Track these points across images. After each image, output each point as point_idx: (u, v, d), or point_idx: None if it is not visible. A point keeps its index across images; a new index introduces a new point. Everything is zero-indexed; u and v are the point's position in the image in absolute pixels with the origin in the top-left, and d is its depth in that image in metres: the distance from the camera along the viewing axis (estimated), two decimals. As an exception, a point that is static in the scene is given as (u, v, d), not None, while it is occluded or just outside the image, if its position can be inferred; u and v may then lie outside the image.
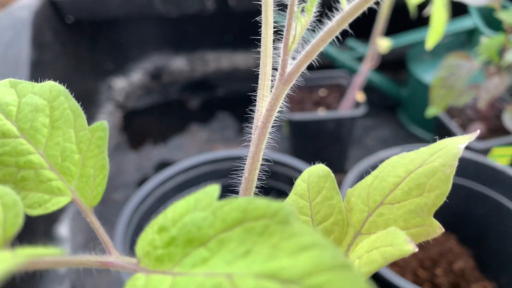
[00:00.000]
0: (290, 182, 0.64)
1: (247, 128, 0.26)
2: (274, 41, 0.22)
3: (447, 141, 0.25)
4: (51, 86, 0.20)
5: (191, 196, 0.18)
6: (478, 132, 0.26)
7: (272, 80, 0.24)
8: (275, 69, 0.22)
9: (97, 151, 0.20)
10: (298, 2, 0.21)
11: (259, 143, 0.24)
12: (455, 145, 0.24)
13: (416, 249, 0.21)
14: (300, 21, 0.21)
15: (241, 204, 0.16)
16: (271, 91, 0.23)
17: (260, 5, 0.21)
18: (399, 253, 0.20)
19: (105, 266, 0.19)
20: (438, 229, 0.25)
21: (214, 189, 0.18)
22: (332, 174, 0.27)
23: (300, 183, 0.27)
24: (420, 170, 0.24)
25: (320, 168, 0.27)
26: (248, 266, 0.14)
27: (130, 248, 0.54)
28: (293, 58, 0.22)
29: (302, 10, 0.22)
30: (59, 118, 0.19)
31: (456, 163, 0.24)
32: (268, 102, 0.23)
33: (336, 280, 0.12)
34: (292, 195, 0.27)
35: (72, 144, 0.20)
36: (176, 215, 0.17)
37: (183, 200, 0.18)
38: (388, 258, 0.21)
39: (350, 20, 0.21)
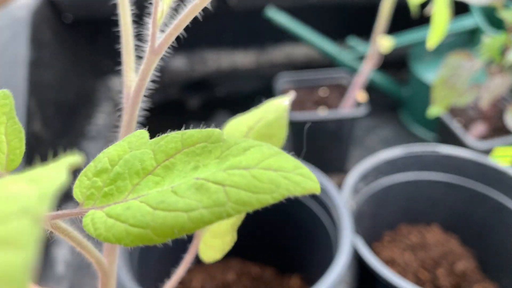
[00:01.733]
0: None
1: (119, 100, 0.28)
2: (141, 16, 0.26)
3: (274, 101, 0.33)
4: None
5: (121, 141, 0.19)
6: (293, 94, 0.34)
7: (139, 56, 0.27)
8: (143, 41, 0.26)
9: (4, 118, 0.20)
10: None
11: (133, 111, 0.27)
12: (282, 103, 0.32)
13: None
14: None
15: (176, 135, 0.18)
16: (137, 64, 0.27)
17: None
18: None
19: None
20: None
21: (143, 132, 0.19)
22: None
23: None
24: (260, 124, 0.31)
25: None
26: (207, 171, 0.17)
27: (130, 248, 0.54)
28: (162, 31, 0.24)
29: None
30: None
31: (286, 115, 0.32)
32: (140, 71, 0.25)
33: (280, 160, 0.17)
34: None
35: None
36: (114, 157, 0.19)
37: (114, 146, 0.19)
38: None
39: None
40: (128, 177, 0.18)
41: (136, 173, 0.18)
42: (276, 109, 0.31)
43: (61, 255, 0.81)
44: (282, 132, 0.31)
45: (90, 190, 0.19)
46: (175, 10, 0.24)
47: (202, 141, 0.18)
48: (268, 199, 0.15)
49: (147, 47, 0.24)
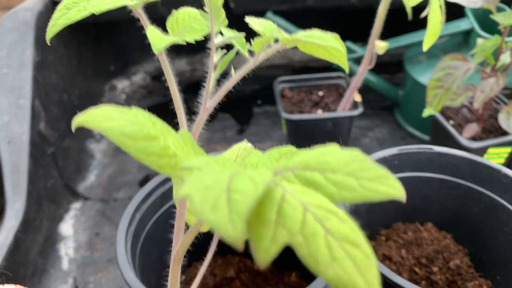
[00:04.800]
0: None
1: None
2: (198, 87, 0.42)
3: (241, 144, 0.48)
4: (144, 113, 0.32)
5: (254, 154, 0.34)
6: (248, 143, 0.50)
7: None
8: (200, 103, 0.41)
9: (190, 143, 0.33)
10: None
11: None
12: (247, 145, 0.47)
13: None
14: (213, 77, 0.39)
15: (275, 150, 0.33)
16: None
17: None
18: None
19: None
20: None
21: (257, 152, 0.35)
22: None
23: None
24: (239, 159, 0.45)
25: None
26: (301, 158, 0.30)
27: (131, 245, 0.56)
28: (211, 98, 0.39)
29: (215, 68, 0.39)
30: (163, 129, 0.32)
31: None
32: (197, 120, 0.41)
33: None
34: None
35: (178, 141, 0.32)
36: (254, 160, 0.34)
37: (251, 156, 0.34)
38: None
39: (239, 78, 0.38)
40: (269, 163, 0.33)
41: (266, 166, 0.33)
42: (245, 148, 0.47)
43: (65, 251, 0.83)
44: None
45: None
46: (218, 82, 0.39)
47: (288, 151, 0.32)
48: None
49: (201, 106, 0.40)
